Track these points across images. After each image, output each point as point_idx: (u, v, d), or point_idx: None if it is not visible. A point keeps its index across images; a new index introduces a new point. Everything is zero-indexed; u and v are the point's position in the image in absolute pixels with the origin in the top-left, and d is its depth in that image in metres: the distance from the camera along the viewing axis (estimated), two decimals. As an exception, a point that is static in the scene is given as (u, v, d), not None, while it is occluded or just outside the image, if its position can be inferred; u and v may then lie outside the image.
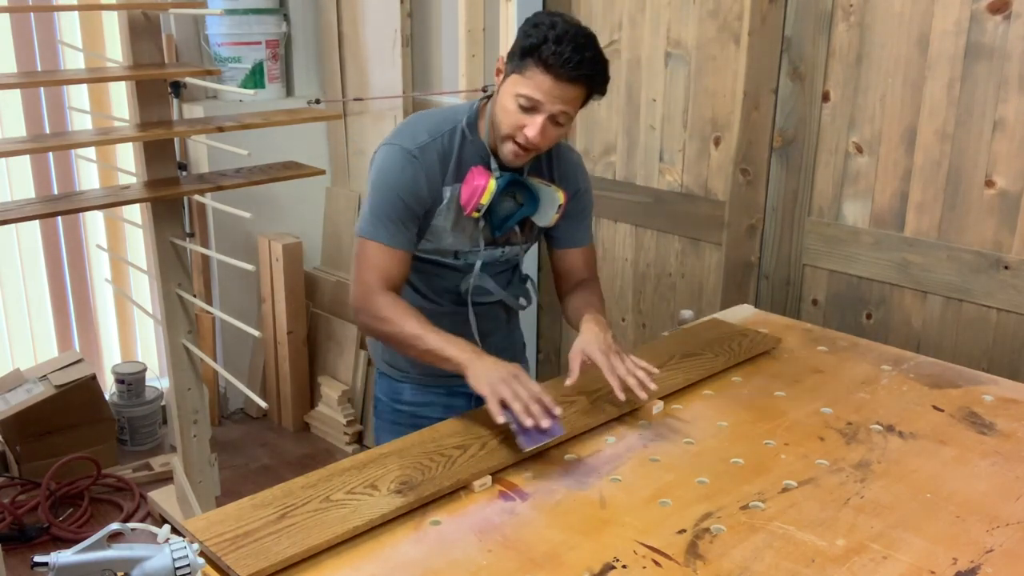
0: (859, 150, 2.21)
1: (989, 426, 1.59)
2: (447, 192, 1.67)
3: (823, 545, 1.23)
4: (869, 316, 2.27)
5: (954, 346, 2.11)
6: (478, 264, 1.74)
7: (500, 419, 1.43)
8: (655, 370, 1.60)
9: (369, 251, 1.65)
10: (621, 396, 1.55)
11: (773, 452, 1.49)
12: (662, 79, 2.61)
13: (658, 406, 1.64)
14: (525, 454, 1.44)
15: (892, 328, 2.22)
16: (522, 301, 1.91)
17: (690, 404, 1.67)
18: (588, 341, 1.61)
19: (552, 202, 1.71)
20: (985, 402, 1.69)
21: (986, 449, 1.51)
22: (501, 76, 1.61)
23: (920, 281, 2.15)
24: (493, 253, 1.77)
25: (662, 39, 2.59)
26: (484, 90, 2.95)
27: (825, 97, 2.25)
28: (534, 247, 2.07)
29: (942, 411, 1.65)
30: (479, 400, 1.81)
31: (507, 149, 1.61)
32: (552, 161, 1.78)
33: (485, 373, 1.48)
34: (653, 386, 1.55)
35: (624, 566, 1.18)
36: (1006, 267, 1.99)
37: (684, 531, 1.26)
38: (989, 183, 2.00)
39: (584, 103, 1.60)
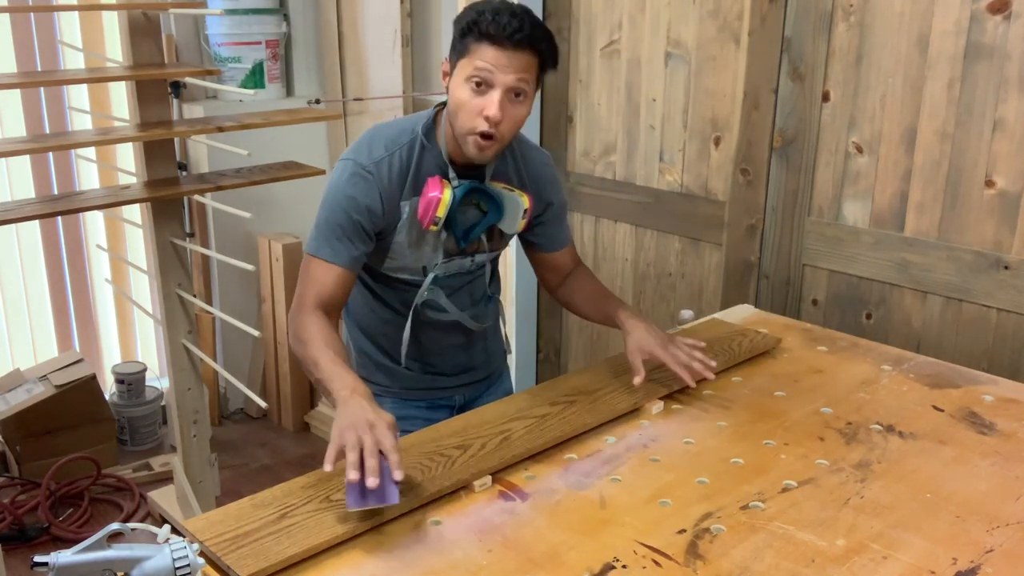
0: (859, 150, 2.21)
1: (989, 426, 1.59)
2: (405, 207, 1.62)
3: (823, 545, 1.23)
4: (869, 316, 2.27)
5: (954, 346, 2.11)
6: (428, 278, 1.69)
7: (327, 467, 1.27)
8: (702, 344, 1.70)
9: (310, 268, 1.60)
10: (692, 384, 1.64)
11: (773, 452, 1.49)
12: (662, 79, 2.61)
13: (658, 406, 1.64)
14: (532, 451, 1.44)
15: (892, 328, 2.22)
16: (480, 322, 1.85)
17: (690, 404, 1.67)
18: (643, 339, 1.65)
19: (517, 208, 1.65)
20: (985, 402, 1.69)
21: (986, 449, 1.51)
22: (448, 77, 1.56)
23: (920, 281, 2.15)
24: (463, 263, 1.72)
25: (662, 39, 2.59)
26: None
27: (825, 97, 2.25)
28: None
29: (942, 411, 1.65)
30: (462, 411, 1.82)
31: (471, 143, 1.54)
32: (520, 165, 1.72)
33: (343, 415, 1.33)
34: (713, 363, 1.66)
35: (624, 566, 1.18)
36: (1006, 267, 1.99)
37: (684, 531, 1.26)
38: (989, 183, 2.00)
39: (539, 79, 1.55)
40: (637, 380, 1.62)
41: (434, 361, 1.82)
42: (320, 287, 1.59)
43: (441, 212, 1.57)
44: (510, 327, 3.03)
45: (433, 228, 1.60)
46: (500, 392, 1.94)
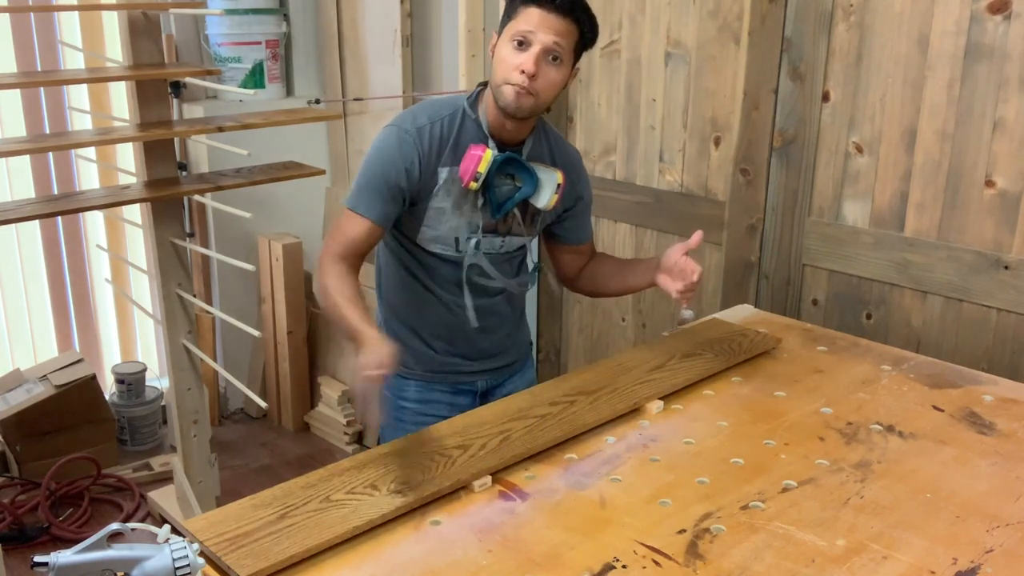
0: (859, 150, 2.21)
1: (989, 426, 1.59)
2: (443, 173, 1.70)
3: (823, 545, 1.23)
4: (869, 316, 2.27)
5: (954, 346, 2.11)
6: (472, 242, 1.75)
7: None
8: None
9: (344, 220, 1.71)
10: (675, 290, 1.74)
11: (773, 452, 1.49)
12: (662, 79, 2.61)
13: (658, 406, 1.64)
14: (532, 451, 1.45)
15: (892, 328, 2.22)
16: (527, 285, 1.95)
17: (690, 404, 1.67)
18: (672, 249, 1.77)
19: (551, 182, 1.73)
20: (985, 402, 1.69)
21: (986, 449, 1.51)
22: (495, 48, 1.67)
23: (920, 281, 2.15)
24: (494, 241, 1.77)
25: (662, 39, 2.59)
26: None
27: (825, 97, 2.25)
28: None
29: (942, 411, 1.65)
30: (483, 398, 1.89)
31: (507, 91, 1.63)
32: (555, 153, 1.81)
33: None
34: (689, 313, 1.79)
35: (624, 566, 1.18)
36: (1006, 267, 1.99)
37: (684, 531, 1.26)
38: (989, 183, 2.00)
39: (576, 53, 1.65)
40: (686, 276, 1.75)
41: (459, 344, 1.85)
42: (347, 238, 1.69)
43: (483, 167, 1.65)
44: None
45: (473, 185, 1.66)
46: (523, 381, 1.97)
